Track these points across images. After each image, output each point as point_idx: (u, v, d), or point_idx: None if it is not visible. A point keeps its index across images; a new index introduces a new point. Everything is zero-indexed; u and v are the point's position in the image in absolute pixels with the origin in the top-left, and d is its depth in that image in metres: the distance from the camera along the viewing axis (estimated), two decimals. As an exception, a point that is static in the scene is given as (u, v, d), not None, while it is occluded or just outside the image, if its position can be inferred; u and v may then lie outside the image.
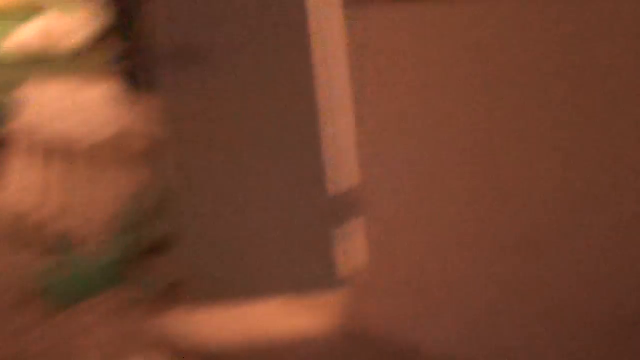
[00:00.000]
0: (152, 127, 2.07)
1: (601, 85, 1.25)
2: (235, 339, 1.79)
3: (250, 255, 1.79)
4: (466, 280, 1.48)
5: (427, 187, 1.49)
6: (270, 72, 1.69)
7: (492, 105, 1.37)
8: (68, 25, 4.26)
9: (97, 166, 2.54)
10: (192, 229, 1.79)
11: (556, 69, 1.29)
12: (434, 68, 1.42)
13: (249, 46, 1.67)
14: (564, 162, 1.31)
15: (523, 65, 1.32)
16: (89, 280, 2.14)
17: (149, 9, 1.72)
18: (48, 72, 3.51)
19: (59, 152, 2.90)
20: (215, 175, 1.75)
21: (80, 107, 2.79)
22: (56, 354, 1.93)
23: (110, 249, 2.20)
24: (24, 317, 2.06)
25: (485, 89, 1.38)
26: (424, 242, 1.52)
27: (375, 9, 1.42)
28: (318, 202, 1.73)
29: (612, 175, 1.28)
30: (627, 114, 1.24)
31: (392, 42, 1.44)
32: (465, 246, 1.46)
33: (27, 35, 4.47)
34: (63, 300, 2.07)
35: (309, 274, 1.78)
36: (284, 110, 1.71)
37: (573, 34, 1.25)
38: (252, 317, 1.85)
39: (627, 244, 1.29)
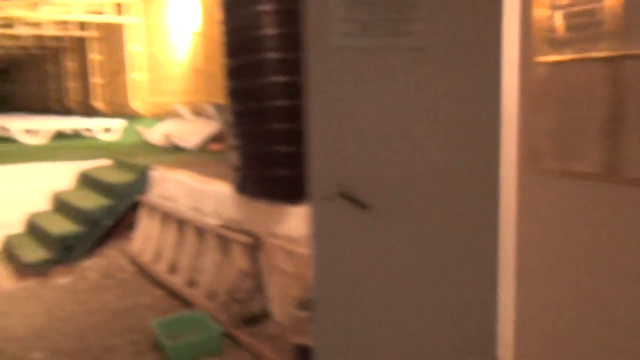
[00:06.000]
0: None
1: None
2: None
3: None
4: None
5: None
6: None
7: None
8: (193, 128, 5.48)
9: (222, 245, 2.97)
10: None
11: None
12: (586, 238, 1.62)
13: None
14: None
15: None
16: (199, 344, 2.39)
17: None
18: (173, 160, 4.48)
19: (175, 222, 3.38)
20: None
21: (205, 195, 3.31)
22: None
23: (220, 319, 2.56)
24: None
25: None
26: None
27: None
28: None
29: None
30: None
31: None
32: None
33: (165, 130, 5.85)
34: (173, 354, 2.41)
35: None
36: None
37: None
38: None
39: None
